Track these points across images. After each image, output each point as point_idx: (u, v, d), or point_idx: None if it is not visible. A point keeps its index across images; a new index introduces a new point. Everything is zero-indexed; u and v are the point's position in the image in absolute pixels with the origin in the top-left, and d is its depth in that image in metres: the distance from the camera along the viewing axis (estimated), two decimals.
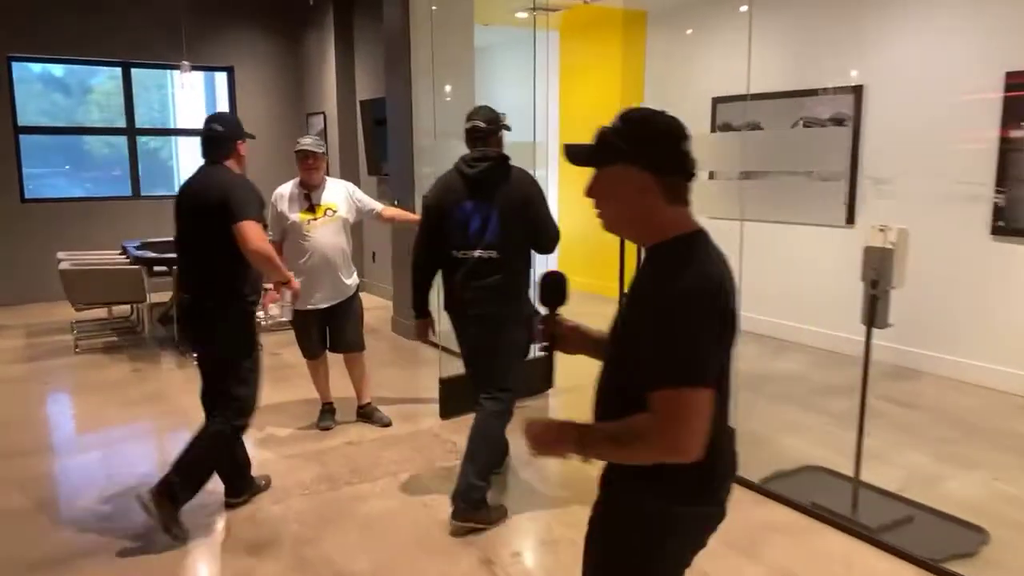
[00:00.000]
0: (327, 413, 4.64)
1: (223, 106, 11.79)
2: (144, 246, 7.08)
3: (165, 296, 7.42)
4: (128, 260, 6.77)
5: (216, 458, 3.46)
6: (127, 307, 7.19)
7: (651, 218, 1.50)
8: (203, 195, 3.27)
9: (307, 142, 4.32)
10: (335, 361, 4.64)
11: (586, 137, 1.63)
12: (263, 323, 3.94)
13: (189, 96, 15.33)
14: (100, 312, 7.00)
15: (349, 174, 8.74)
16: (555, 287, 1.73)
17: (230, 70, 9.28)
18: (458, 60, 6.76)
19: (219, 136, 3.40)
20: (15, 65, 8.25)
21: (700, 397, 1.40)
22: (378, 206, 4.59)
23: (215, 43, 9.06)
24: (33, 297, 8.36)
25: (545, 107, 8.65)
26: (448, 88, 6.55)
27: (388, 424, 4.58)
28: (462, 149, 3.49)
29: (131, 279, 6.32)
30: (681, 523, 1.55)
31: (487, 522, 3.33)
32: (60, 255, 6.98)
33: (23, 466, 4.12)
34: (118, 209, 8.80)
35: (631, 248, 4.60)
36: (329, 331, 4.51)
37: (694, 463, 1.42)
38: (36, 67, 10.94)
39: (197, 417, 3.62)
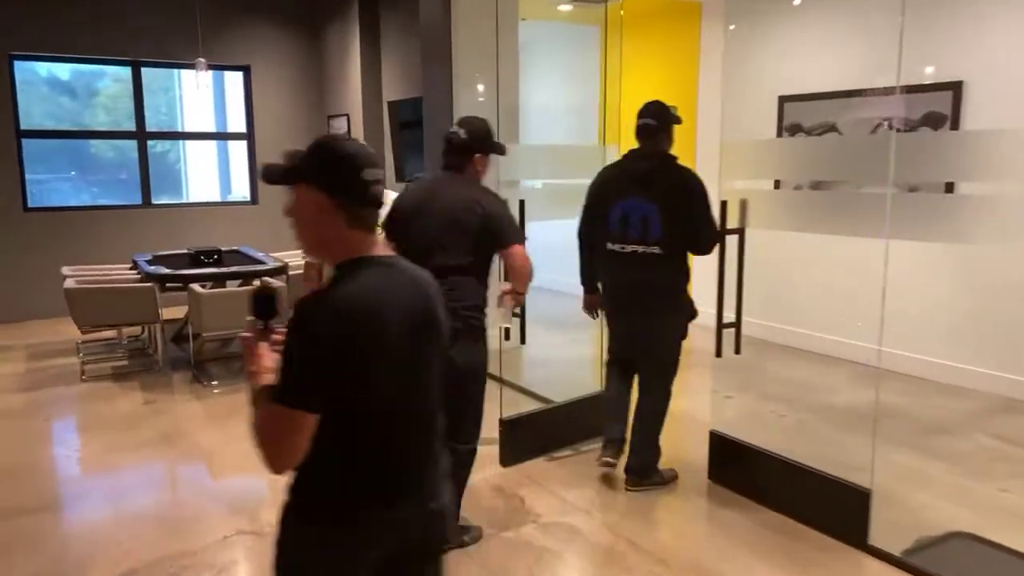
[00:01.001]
0: None
1: (234, 108, 11.21)
2: (156, 260, 6.49)
3: (179, 312, 6.83)
4: (139, 276, 6.18)
5: (466, 478, 3.24)
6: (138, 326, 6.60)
7: (333, 240, 1.59)
8: (458, 209, 2.96)
9: None
10: None
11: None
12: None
13: (198, 98, 14.81)
14: (109, 332, 6.41)
15: None
16: (266, 301, 1.74)
17: (246, 69, 8.69)
18: (502, 57, 6.16)
19: (459, 143, 3.05)
20: (19, 66, 7.67)
21: (288, 418, 1.45)
22: None
23: (230, 41, 8.47)
24: (36, 313, 7.78)
25: (589, 106, 8.04)
26: (482, 87, 5.95)
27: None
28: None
29: (142, 298, 5.73)
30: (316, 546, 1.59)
31: (661, 483, 3.74)
32: (65, 270, 6.39)
33: (26, 528, 3.52)
34: (127, 218, 8.21)
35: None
36: None
37: (324, 485, 1.55)
38: (42, 70, 10.43)
39: (220, 461, 3.05)
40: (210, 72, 7.97)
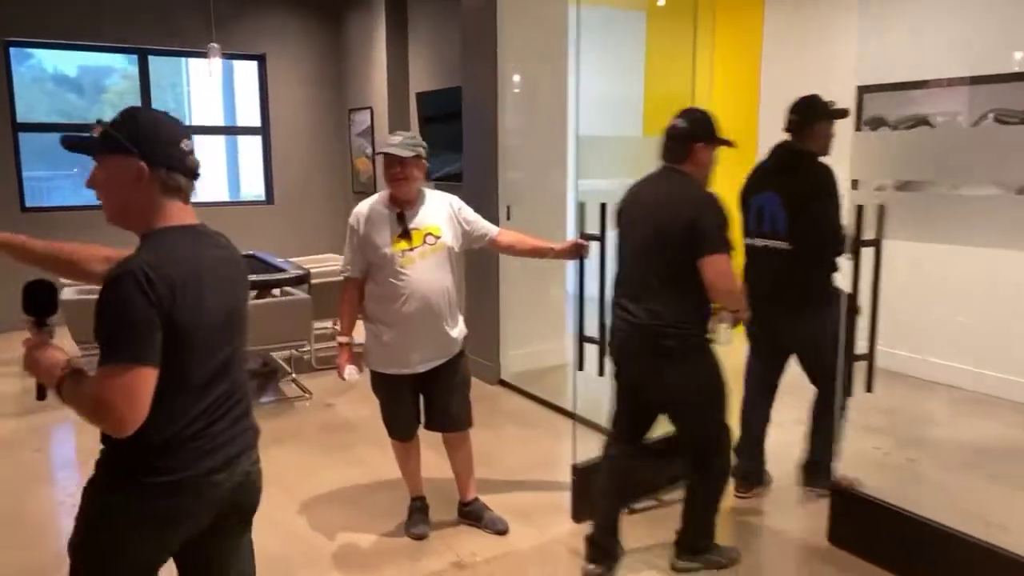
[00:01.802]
0: (419, 513, 3.38)
1: (244, 102, 10.60)
2: None
3: None
4: None
5: (717, 505, 2.97)
6: None
7: (143, 209, 1.62)
8: (667, 208, 2.73)
9: (394, 142, 3.08)
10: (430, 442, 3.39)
11: None
12: None
13: (206, 92, 14.19)
14: None
15: None
16: (40, 295, 1.69)
17: (261, 58, 8.06)
18: (550, 45, 5.51)
19: (676, 134, 2.80)
20: (25, 64, 7.05)
21: (125, 374, 1.47)
22: (492, 228, 3.32)
23: (244, 28, 7.84)
24: None
25: (629, 96, 7.40)
26: (529, 77, 5.31)
27: (504, 531, 3.32)
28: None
29: None
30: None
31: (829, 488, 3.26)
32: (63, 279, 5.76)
33: None
34: None
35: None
36: (426, 402, 3.26)
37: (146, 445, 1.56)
38: (48, 66, 9.86)
39: None
40: (221, 62, 7.35)
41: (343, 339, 3.23)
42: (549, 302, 5.73)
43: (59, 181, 9.89)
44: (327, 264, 6.55)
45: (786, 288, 3.30)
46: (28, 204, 7.25)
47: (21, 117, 7.12)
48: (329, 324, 6.52)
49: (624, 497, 3.14)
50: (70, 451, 4.41)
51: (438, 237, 3.11)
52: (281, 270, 5.73)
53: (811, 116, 3.32)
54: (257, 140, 8.36)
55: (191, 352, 1.56)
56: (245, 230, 7.93)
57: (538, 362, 5.69)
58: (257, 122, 8.30)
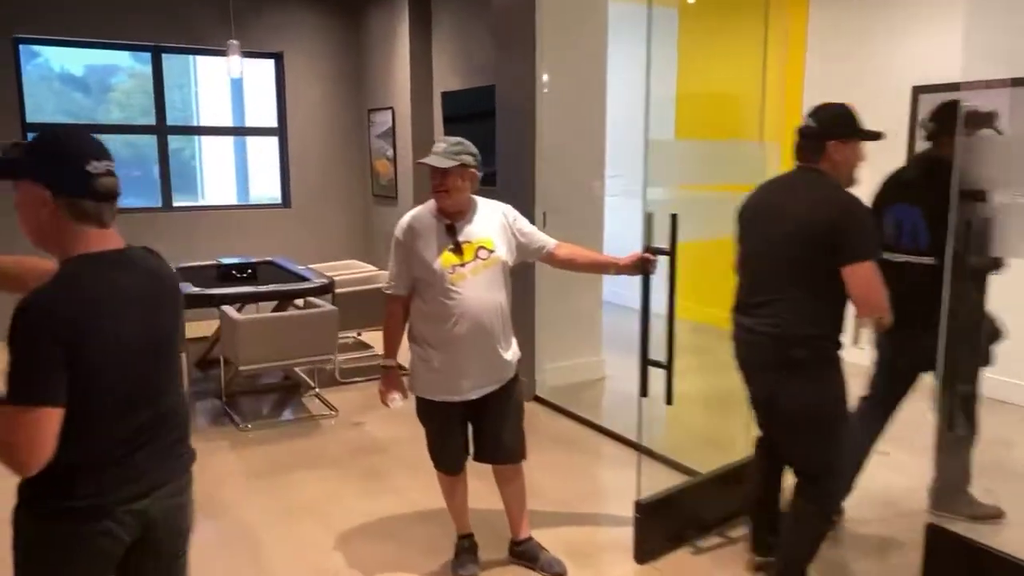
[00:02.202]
0: (467, 553, 3.09)
1: (254, 102, 10.33)
2: (180, 273, 5.57)
3: (201, 329, 5.93)
4: None
5: (809, 552, 2.71)
6: None
7: (55, 235, 1.58)
8: (803, 209, 2.53)
9: (436, 150, 2.79)
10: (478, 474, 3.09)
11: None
12: None
13: (214, 90, 13.91)
14: None
15: (424, 185, 7.21)
16: None
17: (278, 57, 7.78)
18: (588, 42, 5.22)
19: (808, 133, 2.63)
20: (30, 59, 6.78)
21: (26, 415, 1.44)
22: (549, 241, 3.02)
23: (260, 25, 7.56)
24: None
25: (660, 97, 7.10)
26: (566, 78, 5.01)
27: (562, 574, 3.02)
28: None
29: None
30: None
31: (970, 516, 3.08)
32: None
33: None
34: (145, 223, 7.31)
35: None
36: (476, 431, 2.97)
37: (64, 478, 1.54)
38: (55, 65, 9.64)
39: (271, 546, 2.17)
40: (240, 60, 7.08)
41: (387, 362, 2.95)
42: (584, 313, 5.43)
43: None
44: (349, 271, 6.27)
45: (929, 307, 2.89)
46: None
47: (30, 117, 6.86)
48: (353, 334, 6.24)
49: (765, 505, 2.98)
50: None
51: (491, 251, 2.82)
52: (303, 278, 5.44)
53: (952, 123, 2.91)
54: (268, 141, 8.09)
55: (105, 382, 1.54)
56: (263, 235, 7.65)
57: (574, 376, 5.40)
58: (270, 122, 8.01)
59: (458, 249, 2.79)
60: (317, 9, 7.83)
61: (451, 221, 2.81)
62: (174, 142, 7.84)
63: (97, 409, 1.55)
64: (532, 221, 4.92)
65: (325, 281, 5.28)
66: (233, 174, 14.11)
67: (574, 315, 5.32)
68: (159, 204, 7.47)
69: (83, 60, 8.94)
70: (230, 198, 13.01)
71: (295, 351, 4.64)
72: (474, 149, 2.83)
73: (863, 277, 2.40)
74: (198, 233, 7.50)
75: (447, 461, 2.97)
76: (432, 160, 2.74)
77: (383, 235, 7.80)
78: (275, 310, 5.42)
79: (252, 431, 4.62)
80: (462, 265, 2.77)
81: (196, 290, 4.90)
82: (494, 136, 6.20)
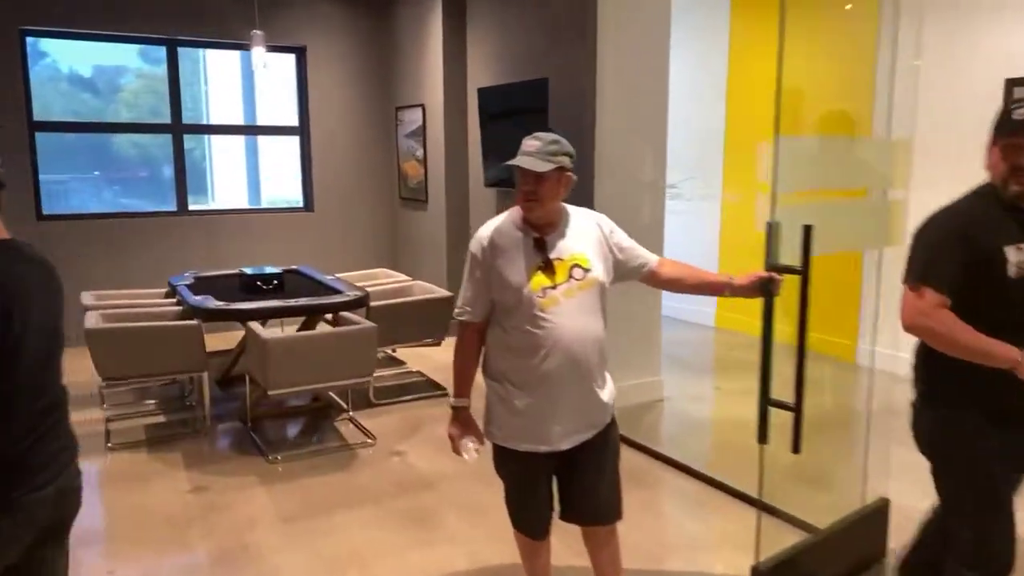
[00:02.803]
0: None
1: (266, 100, 9.87)
2: (199, 285, 5.12)
3: (223, 342, 5.47)
4: (177, 306, 4.81)
5: None
6: None
7: None
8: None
9: (529, 149, 2.30)
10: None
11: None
12: None
13: (225, 88, 13.45)
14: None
15: (457, 187, 6.75)
16: None
17: (300, 51, 7.31)
18: (651, 31, 4.74)
19: None
20: (37, 59, 6.34)
21: None
22: (651, 257, 2.53)
23: (282, 17, 7.09)
24: None
25: (709, 89, 6.66)
26: (627, 72, 4.53)
27: None
28: None
29: (186, 341, 4.35)
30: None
31: None
32: (86, 298, 5.03)
33: None
34: (160, 229, 6.86)
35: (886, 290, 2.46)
36: (564, 487, 2.48)
37: None
38: (63, 66, 9.30)
39: None
40: (235, 54, 6.62)
41: (459, 402, 2.47)
42: (642, 327, 4.95)
43: (74, 184, 9.19)
44: (380, 282, 5.79)
45: None
46: (45, 211, 6.52)
47: (37, 116, 6.41)
48: (387, 351, 5.77)
49: None
50: (97, 528, 3.66)
51: (587, 270, 2.33)
52: (333, 290, 4.98)
53: None
54: (281, 141, 7.64)
55: (21, 373, 1.59)
56: (283, 241, 7.20)
57: (630, 398, 4.90)
58: (285, 121, 7.55)
59: (549, 268, 2.31)
60: (343, 1, 7.37)
61: (540, 234, 2.34)
62: (185, 142, 7.40)
63: (15, 400, 1.59)
64: None
65: (359, 293, 4.81)
66: (244, 175, 13.65)
67: (630, 329, 4.83)
68: (173, 207, 7.01)
69: (91, 60, 8.56)
70: (241, 200, 12.57)
71: (330, 373, 4.16)
72: (571, 147, 2.35)
73: (903, 303, 2.14)
74: (216, 239, 7.04)
75: (530, 522, 2.48)
76: (525, 162, 2.25)
77: (411, 241, 7.32)
78: (303, 325, 4.97)
79: (282, 462, 4.15)
80: (553, 287, 2.29)
81: (219, 305, 4.43)
82: (524, 132, 5.74)
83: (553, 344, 2.27)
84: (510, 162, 2.29)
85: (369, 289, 5.29)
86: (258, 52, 5.34)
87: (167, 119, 6.88)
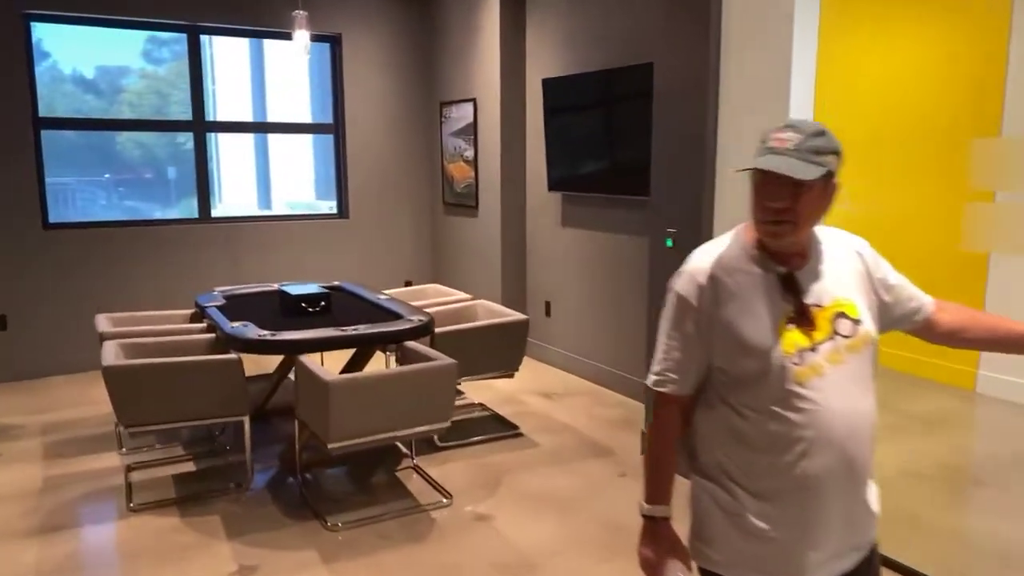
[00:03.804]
0: None
1: (277, 95, 9.13)
2: (232, 305, 4.39)
3: (253, 365, 4.72)
4: (207, 332, 4.08)
5: None
6: None
7: None
8: None
9: (782, 142, 1.52)
10: None
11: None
12: None
13: (232, 86, 12.68)
14: None
15: (513, 191, 6.00)
16: None
17: (335, 40, 6.58)
18: (772, 16, 3.98)
19: None
20: (39, 60, 5.62)
21: None
22: (925, 299, 1.78)
23: (313, 1, 6.35)
24: (59, 367, 5.72)
25: (793, 81, 5.78)
26: (747, 62, 3.78)
27: None
28: None
29: (224, 378, 3.61)
30: None
31: None
32: (101, 322, 4.29)
33: None
34: (179, 238, 6.12)
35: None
36: None
37: None
38: (66, 67, 8.66)
39: None
40: (245, 42, 5.91)
41: (654, 511, 1.73)
42: None
43: (80, 188, 8.48)
44: (434, 301, 5.05)
45: None
46: (52, 219, 5.78)
47: (42, 112, 5.69)
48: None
49: None
50: None
51: (856, 322, 1.59)
52: (389, 312, 4.24)
53: None
54: (293, 140, 6.92)
55: None
56: (313, 250, 6.48)
57: None
58: (300, 117, 6.82)
59: (805, 319, 1.57)
60: None
61: (788, 268, 1.59)
62: (188, 142, 6.68)
63: None
64: (698, 241, 3.72)
65: (424, 318, 4.07)
66: (254, 178, 12.90)
67: None
68: (185, 213, 6.28)
69: (94, 61, 7.89)
70: (250, 203, 11.85)
71: (403, 419, 3.42)
72: (837, 145, 1.59)
73: None
74: (241, 249, 6.30)
75: None
76: (779, 164, 1.50)
77: (456, 252, 6.58)
78: (356, 356, 4.23)
79: (344, 529, 3.41)
80: (813, 349, 1.55)
81: (263, 334, 3.69)
82: (609, 129, 5.00)
83: (817, 436, 1.53)
84: (754, 164, 1.54)
85: (427, 304, 4.57)
86: (301, 36, 4.60)
87: (171, 118, 6.16)
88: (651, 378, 1.70)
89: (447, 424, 3.57)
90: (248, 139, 11.69)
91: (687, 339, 1.63)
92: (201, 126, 6.19)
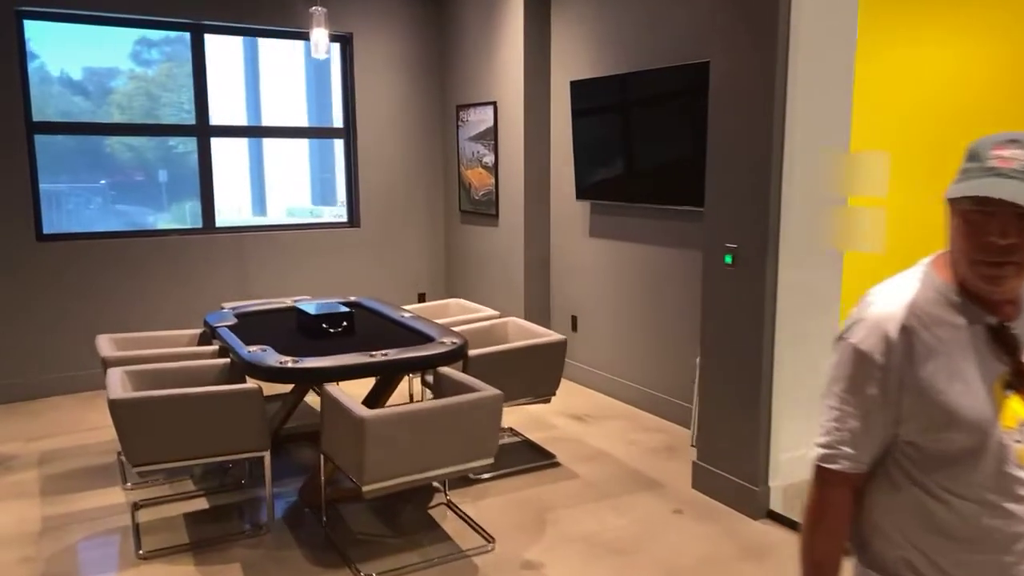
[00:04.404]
0: None
1: (272, 98, 8.79)
2: (245, 325, 4.05)
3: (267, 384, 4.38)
4: (223, 360, 3.73)
5: None
6: None
7: None
8: None
9: (1009, 161, 1.20)
10: None
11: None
12: None
13: (224, 89, 12.27)
14: None
15: (537, 199, 5.68)
16: None
17: (346, 40, 6.24)
18: (839, 11, 3.68)
19: None
20: (29, 62, 5.26)
21: None
22: None
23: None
24: (57, 388, 5.36)
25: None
26: (808, 64, 3.47)
27: None
28: None
29: (243, 412, 3.27)
30: None
31: None
32: (104, 348, 3.94)
33: None
34: (183, 249, 5.77)
35: None
36: None
37: None
38: (54, 68, 8.30)
39: None
40: (238, 40, 5.59)
41: None
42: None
43: (79, 195, 8.10)
44: (461, 318, 4.72)
45: None
46: (46, 231, 5.42)
47: (35, 116, 5.33)
48: None
49: None
50: None
51: None
52: (416, 332, 3.91)
53: None
54: (288, 144, 6.59)
55: None
56: (323, 261, 6.13)
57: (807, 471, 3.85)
58: (293, 121, 6.49)
59: None
60: None
61: (1001, 319, 1.28)
62: (182, 145, 6.34)
63: None
64: (765, 277, 3.40)
65: (457, 341, 3.74)
66: (248, 185, 12.51)
67: (821, 372, 3.78)
68: (200, 225, 5.93)
69: (82, 62, 7.57)
70: (245, 210, 11.48)
71: (445, 457, 3.09)
72: None
73: None
74: (247, 260, 5.95)
75: None
76: (1014, 192, 1.18)
77: (474, 263, 6.25)
78: (381, 383, 3.89)
79: None
80: None
81: (285, 362, 3.35)
82: (652, 134, 4.69)
83: None
84: (977, 190, 1.22)
85: (454, 320, 4.25)
86: (319, 35, 4.26)
87: (161, 121, 5.84)
88: (817, 452, 1.38)
89: (491, 460, 3.24)
90: (242, 143, 11.32)
91: (869, 405, 1.31)
92: (205, 130, 5.84)
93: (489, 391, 3.18)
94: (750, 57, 3.39)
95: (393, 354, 3.51)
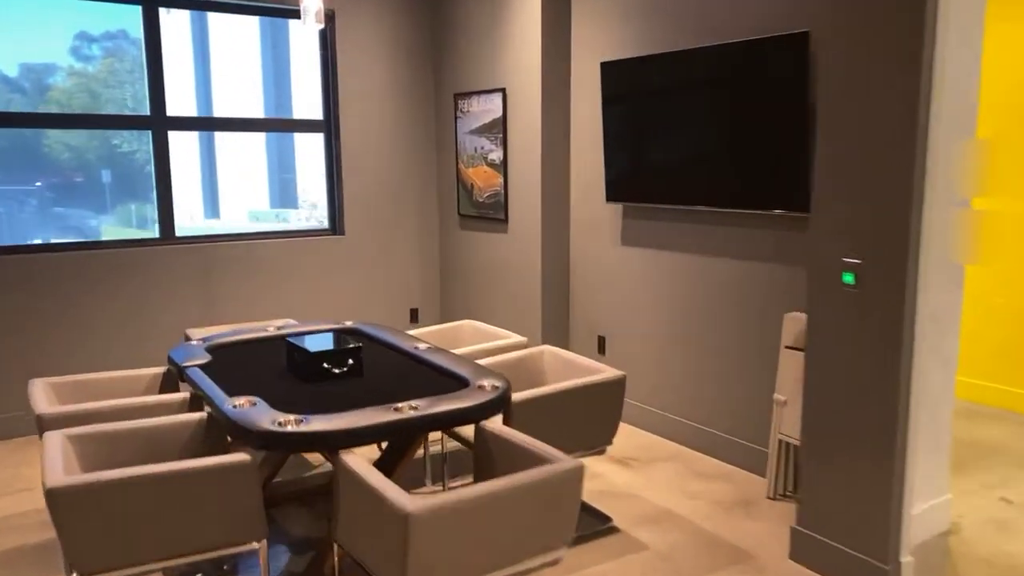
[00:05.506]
0: None
1: (223, 84, 7.91)
2: (221, 363, 3.21)
3: None
4: (200, 414, 2.88)
5: None
6: None
7: None
8: None
9: None
10: None
11: None
12: None
13: (176, 81, 11.25)
14: None
15: (556, 201, 4.90)
16: None
17: (327, 17, 5.38)
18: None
19: None
20: None
21: None
22: None
23: None
24: None
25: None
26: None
27: None
28: None
29: (233, 490, 2.43)
30: None
31: None
32: (38, 397, 3.04)
33: None
34: (138, 264, 4.85)
35: None
36: None
37: None
38: None
39: None
40: (189, 18, 4.76)
41: None
42: (928, 419, 3.19)
43: (12, 197, 7.10)
44: (482, 347, 3.90)
45: None
46: None
47: None
48: None
49: None
50: None
51: None
52: (441, 371, 3.11)
53: None
54: (241, 139, 5.75)
55: None
56: (303, 275, 5.27)
57: (918, 533, 3.17)
58: (249, 113, 5.63)
59: None
60: None
61: None
62: (126, 143, 5.45)
63: None
64: (903, 295, 2.63)
65: (499, 384, 2.94)
66: (200, 189, 11.50)
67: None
68: (157, 236, 5.02)
69: (17, 58, 6.72)
70: (197, 215, 10.48)
71: (508, 552, 2.29)
72: None
73: None
74: (216, 277, 5.06)
75: None
76: None
77: (476, 274, 5.44)
78: (397, 442, 3.06)
79: None
80: None
81: (285, 423, 2.51)
82: (695, 122, 3.91)
83: None
84: None
85: (484, 350, 3.46)
86: (312, 4, 3.41)
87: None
88: None
89: (565, 551, 2.45)
90: (192, 138, 10.31)
91: None
92: (162, 123, 4.93)
93: (567, 462, 2.38)
94: (888, 24, 2.66)
95: (424, 407, 2.70)
